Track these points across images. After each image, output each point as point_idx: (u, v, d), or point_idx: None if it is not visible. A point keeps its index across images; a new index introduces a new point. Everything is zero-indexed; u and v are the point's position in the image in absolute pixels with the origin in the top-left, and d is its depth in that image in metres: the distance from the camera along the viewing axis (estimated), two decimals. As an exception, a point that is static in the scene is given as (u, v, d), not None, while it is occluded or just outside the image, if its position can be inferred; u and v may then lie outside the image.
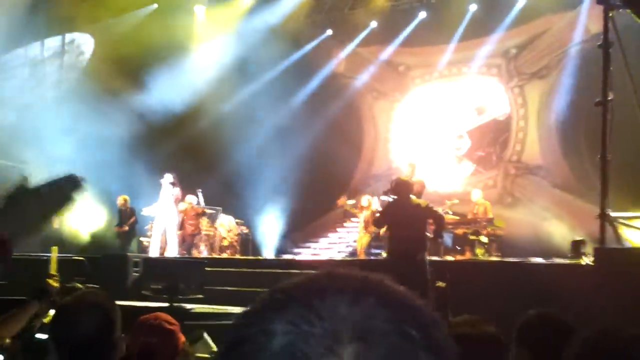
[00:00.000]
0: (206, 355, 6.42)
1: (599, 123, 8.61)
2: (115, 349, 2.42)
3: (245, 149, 16.49)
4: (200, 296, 9.47)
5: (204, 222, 15.11)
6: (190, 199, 14.59)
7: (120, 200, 14.67)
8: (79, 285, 5.36)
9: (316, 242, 17.06)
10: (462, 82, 17.31)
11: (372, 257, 12.97)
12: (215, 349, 6.74)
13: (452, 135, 17.15)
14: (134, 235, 14.86)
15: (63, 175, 4.19)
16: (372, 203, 13.48)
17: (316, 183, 16.28)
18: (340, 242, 16.61)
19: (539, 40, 16.21)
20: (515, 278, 8.94)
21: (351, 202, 14.71)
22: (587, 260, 9.26)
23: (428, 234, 9.10)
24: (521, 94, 16.48)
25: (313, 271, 0.76)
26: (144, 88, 16.69)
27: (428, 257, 8.77)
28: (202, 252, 14.70)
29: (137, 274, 11.37)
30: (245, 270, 11.79)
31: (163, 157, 15.66)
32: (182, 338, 3.09)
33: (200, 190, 15.08)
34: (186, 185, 14.30)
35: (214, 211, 15.47)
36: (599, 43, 8.83)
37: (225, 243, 15.21)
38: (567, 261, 10.12)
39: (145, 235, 14.78)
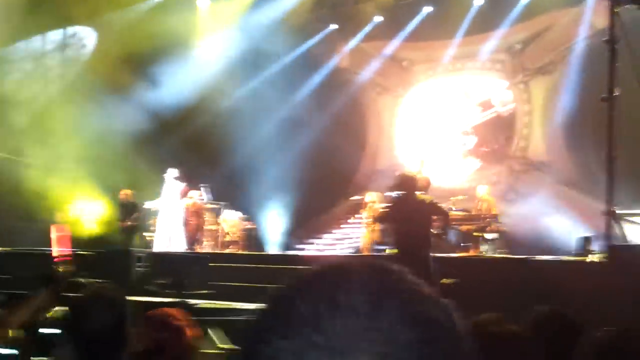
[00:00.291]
0: (211, 351, 6.41)
1: (604, 119, 8.57)
2: (126, 343, 2.47)
3: (250, 144, 16.45)
4: (204, 291, 9.46)
5: (208, 217, 15.09)
6: (193, 194, 14.56)
7: (121, 194, 14.59)
8: (83, 281, 5.35)
9: (321, 238, 17.02)
10: (466, 78, 17.23)
11: (376, 254, 12.92)
12: (220, 344, 6.74)
13: (457, 131, 17.10)
14: (137, 230, 14.83)
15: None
16: (377, 199, 13.43)
17: (320, 178, 16.24)
18: (345, 238, 16.57)
19: (544, 36, 16.13)
20: (520, 275, 8.91)
21: (356, 197, 14.67)
22: (593, 257, 9.22)
23: (433, 231, 9.05)
24: (526, 89, 16.41)
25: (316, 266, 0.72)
26: (147, 82, 16.66)
27: (433, 254, 8.73)
28: (205, 247, 14.68)
29: (140, 269, 11.35)
30: (249, 265, 11.78)
31: (167, 151, 15.64)
32: (192, 333, 3.11)
33: (205, 185, 15.05)
34: (190, 181, 14.28)
35: (217, 206, 15.44)
36: (604, 38, 8.80)
37: (229, 238, 15.19)
38: (573, 258, 10.07)
39: (149, 230, 14.76)
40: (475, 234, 12.83)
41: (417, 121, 17.71)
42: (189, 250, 13.89)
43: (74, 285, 4.37)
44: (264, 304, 0.71)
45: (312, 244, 16.82)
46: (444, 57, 17.17)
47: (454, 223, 12.31)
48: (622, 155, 8.57)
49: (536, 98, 16.21)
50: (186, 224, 14.24)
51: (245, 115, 16.35)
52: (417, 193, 8.82)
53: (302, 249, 16.18)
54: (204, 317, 7.14)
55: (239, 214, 15.60)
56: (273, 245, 16.66)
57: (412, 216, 8.40)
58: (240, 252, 14.62)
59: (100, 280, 6.76)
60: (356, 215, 15.64)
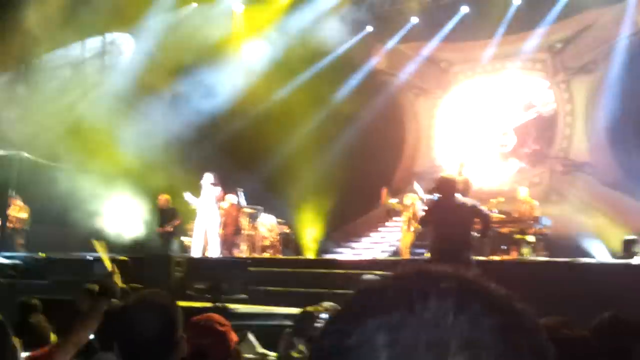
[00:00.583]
0: (250, 356, 6.35)
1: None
2: (177, 349, 2.42)
3: (286, 148, 16.44)
4: (244, 296, 9.42)
5: (245, 221, 15.08)
6: (231, 198, 14.57)
7: (161, 200, 14.69)
8: (126, 287, 5.31)
9: (358, 241, 16.92)
10: (506, 78, 16.99)
11: (415, 257, 12.78)
12: (259, 349, 6.67)
13: (497, 132, 16.87)
14: (176, 235, 14.89)
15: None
16: (416, 201, 13.29)
17: (357, 181, 16.16)
18: (383, 242, 16.45)
19: (585, 34, 15.85)
20: (565, 278, 8.73)
21: (394, 200, 14.53)
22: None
23: (474, 234, 8.89)
24: (567, 89, 16.14)
25: (382, 271, 0.67)
26: (184, 88, 16.76)
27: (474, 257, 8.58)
28: (242, 252, 14.68)
29: (180, 274, 11.36)
30: (287, 270, 11.73)
31: (204, 156, 15.70)
32: (234, 338, 3.10)
33: (241, 189, 15.06)
34: (227, 185, 14.29)
35: (254, 211, 15.43)
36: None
37: (266, 243, 15.15)
38: (619, 261, 9.84)
39: (187, 235, 14.81)
40: (516, 236, 12.62)
41: (456, 123, 17.54)
42: (226, 255, 13.88)
43: (124, 293, 4.34)
44: (354, 291, 0.73)
45: (349, 247, 16.73)
46: (483, 58, 16.98)
47: (494, 225, 12.11)
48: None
49: (578, 97, 15.93)
50: (223, 228, 14.25)
51: (281, 119, 16.34)
52: (457, 195, 8.67)
53: (340, 253, 16.11)
54: (243, 322, 7.09)
55: (276, 218, 15.57)
56: (310, 249, 16.61)
57: (451, 219, 8.25)
58: (278, 256, 14.58)
59: (141, 287, 6.75)
60: (394, 218, 15.50)
